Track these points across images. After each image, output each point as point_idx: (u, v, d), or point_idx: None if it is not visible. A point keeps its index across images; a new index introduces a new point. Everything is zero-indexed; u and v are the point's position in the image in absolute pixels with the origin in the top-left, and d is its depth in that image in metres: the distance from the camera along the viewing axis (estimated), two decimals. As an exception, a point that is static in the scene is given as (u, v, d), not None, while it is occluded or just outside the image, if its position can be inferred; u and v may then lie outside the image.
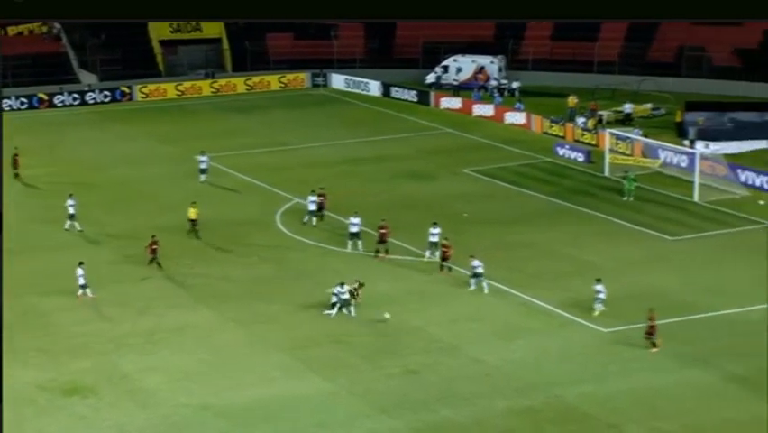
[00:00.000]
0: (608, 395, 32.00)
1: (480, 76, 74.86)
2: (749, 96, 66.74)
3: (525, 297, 39.15)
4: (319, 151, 61.35)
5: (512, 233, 46.28)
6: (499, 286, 40.14)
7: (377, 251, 43.16)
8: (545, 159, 58.05)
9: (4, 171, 49.95)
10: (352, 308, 37.68)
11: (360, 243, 43.71)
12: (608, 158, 54.80)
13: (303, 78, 78.82)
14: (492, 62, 75.05)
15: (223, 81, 77.97)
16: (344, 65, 79.18)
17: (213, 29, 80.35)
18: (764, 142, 59.11)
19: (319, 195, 47.49)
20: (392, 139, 63.60)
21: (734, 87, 68.94)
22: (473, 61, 75.33)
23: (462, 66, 75.28)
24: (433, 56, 77.01)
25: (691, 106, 62.05)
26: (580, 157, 57.40)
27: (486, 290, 39.20)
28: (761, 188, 51.17)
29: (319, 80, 78.44)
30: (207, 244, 45.25)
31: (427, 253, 42.52)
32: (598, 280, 37.45)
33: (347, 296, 37.72)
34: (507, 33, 77.83)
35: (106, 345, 35.76)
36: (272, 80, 78.44)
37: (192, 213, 45.74)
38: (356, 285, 38.21)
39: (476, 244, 44.47)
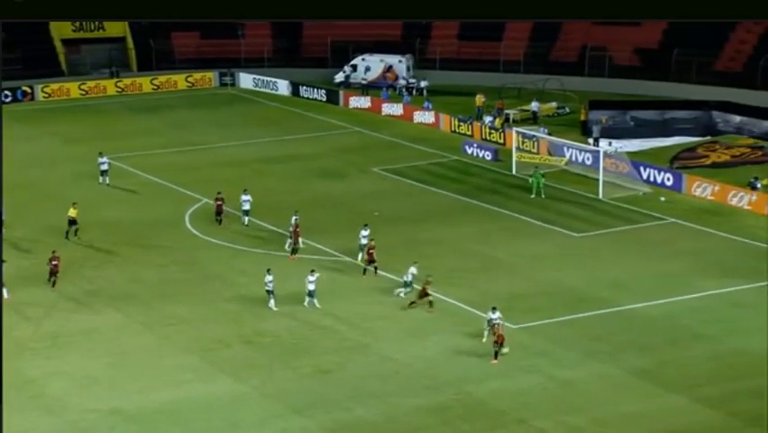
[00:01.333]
0: (518, 390, 32.28)
1: (389, 75, 74.98)
2: (649, 94, 68.09)
3: (436, 294, 39.23)
4: (229, 150, 60.72)
5: (421, 230, 46.42)
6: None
7: (293, 251, 42.85)
8: (454, 157, 58.41)
9: None
10: (316, 299, 37.71)
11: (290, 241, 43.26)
12: (515, 156, 55.38)
13: (210, 77, 77.91)
14: (400, 61, 75.26)
15: (128, 80, 76.59)
16: (252, 64, 78.49)
17: (116, 28, 78.84)
18: (665, 139, 60.41)
19: (217, 199, 46.88)
20: (302, 138, 63.30)
21: (634, 85, 70.25)
22: (381, 60, 75.42)
23: (371, 65, 75.30)
24: (341, 55, 76.87)
25: (595, 105, 63.08)
26: (488, 155, 57.91)
27: (402, 295, 38.76)
28: (662, 185, 52.23)
29: (227, 80, 77.62)
30: (115, 246, 44.37)
31: (360, 256, 41.87)
32: (494, 309, 34.87)
33: (313, 287, 37.53)
34: (414, 33, 78.12)
35: (9, 349, 34.72)
36: (179, 80, 77.33)
37: (72, 213, 44.83)
38: (428, 281, 37.63)
39: (386, 242, 44.47)
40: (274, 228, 46.37)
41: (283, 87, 75.20)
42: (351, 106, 70.61)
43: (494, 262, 42.63)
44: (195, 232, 46.41)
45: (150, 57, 78.50)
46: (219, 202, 46.89)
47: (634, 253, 43.72)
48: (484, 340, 35.02)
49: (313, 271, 38.09)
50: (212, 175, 54.97)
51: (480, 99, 66.52)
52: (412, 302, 37.79)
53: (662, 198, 50.56)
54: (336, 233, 45.80)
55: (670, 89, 68.30)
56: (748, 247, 44.05)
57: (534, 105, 66.20)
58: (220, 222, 46.59)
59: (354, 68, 75.43)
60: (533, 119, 64.94)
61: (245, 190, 47.10)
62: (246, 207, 46.55)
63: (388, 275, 40.99)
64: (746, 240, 44.77)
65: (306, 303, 37.89)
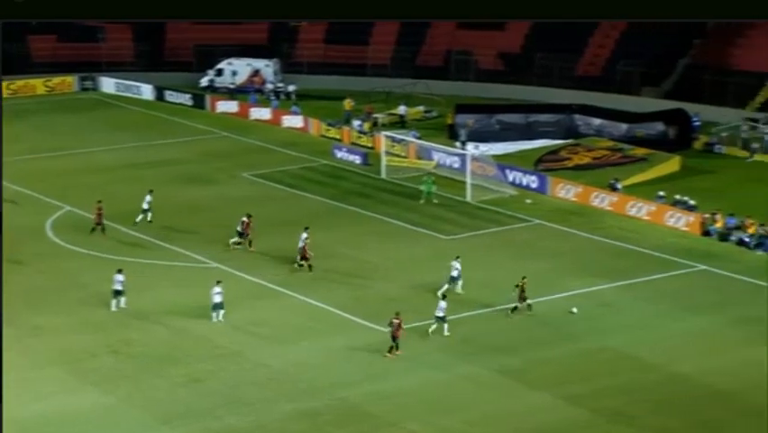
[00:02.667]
0: (391, 393, 32.71)
1: (256, 79, 74.73)
2: (512, 98, 69.61)
3: (308, 299, 39.42)
4: (92, 156, 59.53)
5: (292, 235, 46.44)
6: (281, 289, 40.26)
7: (239, 243, 43.73)
8: (324, 162, 58.67)
9: None
10: (221, 313, 36.90)
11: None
12: (384, 160, 55.99)
13: (70, 81, 76.12)
14: (267, 65, 75.07)
15: (-18, 85, 74.21)
16: (114, 68, 77.04)
17: (-33, 31, 76.27)
18: (530, 142, 61.90)
19: (98, 207, 45.91)
20: (169, 143, 62.57)
21: (499, 89, 71.76)
22: (248, 65, 75.07)
23: (238, 69, 74.86)
24: (207, 59, 76.13)
25: (461, 109, 64.21)
26: (358, 159, 58.39)
27: (459, 290, 39.14)
28: (527, 187, 53.58)
29: (88, 84, 75.98)
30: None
31: (297, 258, 42.20)
32: (444, 297, 36.72)
33: (219, 299, 36.65)
34: (281, 36, 78.05)
35: None
36: (37, 84, 75.34)
37: None
38: (523, 282, 37.94)
39: (256, 247, 44.47)
40: (141, 236, 45.75)
41: (147, 92, 74.11)
42: (218, 111, 70.10)
43: (366, 265, 43.04)
44: (58, 241, 45.38)
45: (4, 61, 76.01)
46: (100, 211, 45.73)
47: (501, 254, 44.77)
48: (430, 331, 35.98)
49: (219, 282, 37.45)
50: (74, 182, 53.85)
51: (348, 103, 66.96)
52: (514, 307, 37.86)
53: (528, 200, 51.87)
54: (205, 239, 45.50)
55: (533, 93, 70.08)
56: (610, 247, 45.64)
57: (401, 109, 67.00)
58: (99, 230, 45.45)
59: (220, 72, 74.82)
60: (401, 123, 65.74)
61: (150, 191, 47.49)
62: (145, 206, 46.93)
63: (261, 282, 40.97)
64: (608, 240, 46.37)
65: (213, 318, 37.11)
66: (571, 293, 40.30)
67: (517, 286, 37.95)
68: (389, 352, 34.65)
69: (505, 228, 48.17)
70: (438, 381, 33.56)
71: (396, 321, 34.88)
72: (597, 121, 62.62)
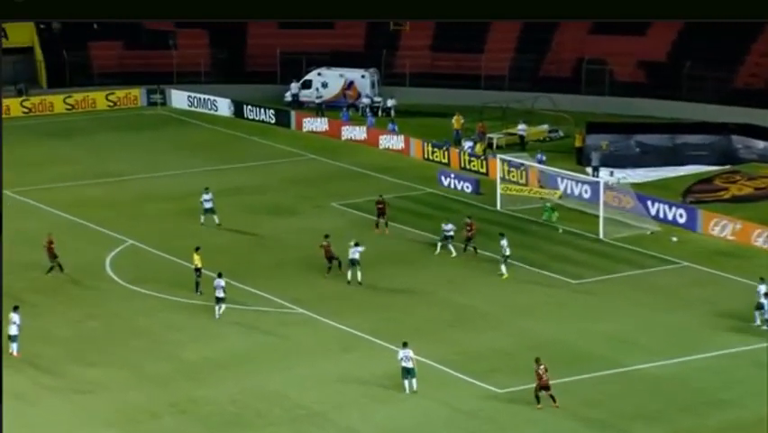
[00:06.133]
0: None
1: (350, 92, 75.43)
2: (655, 115, 69.02)
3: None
4: (158, 182, 60.81)
5: (385, 276, 46.68)
6: (373, 339, 40.43)
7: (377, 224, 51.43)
8: (427, 189, 58.90)
9: None
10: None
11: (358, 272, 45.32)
12: (499, 188, 55.93)
13: (136, 95, 78.10)
14: (363, 76, 75.72)
15: (36, 99, 76.57)
16: (186, 79, 78.73)
17: (21, 36, 78.68)
18: (676, 168, 61.18)
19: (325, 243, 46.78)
20: (246, 167, 63.58)
21: (639, 105, 71.23)
22: (341, 75, 75.86)
23: (328, 80, 75.66)
24: (293, 68, 77.25)
25: (593, 128, 63.82)
26: (468, 187, 58.46)
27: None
28: (673, 223, 52.91)
29: (156, 98, 77.80)
30: (21, 296, 44.18)
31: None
32: (762, 280, 41.82)
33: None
34: (380, 43, 78.76)
35: None
36: (98, 98, 77.44)
37: (197, 260, 44.49)
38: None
39: (343, 290, 44.76)
40: (213, 274, 46.50)
41: (224, 107, 75.54)
42: (305, 130, 71.05)
43: (471, 312, 42.94)
44: (117, 279, 46.41)
45: (63, 71, 78.54)
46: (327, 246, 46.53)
47: (639, 302, 44.22)
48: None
49: (405, 343, 37.00)
50: (137, 212, 55.06)
51: (457, 121, 67.16)
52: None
53: (674, 238, 51.22)
54: (285, 280, 46.02)
55: (681, 110, 69.37)
56: (774, 296, 44.71)
57: (521, 128, 66.90)
58: (329, 269, 46.15)
59: (307, 84, 75.65)
60: (520, 144, 65.65)
61: (206, 189, 52.07)
62: (208, 205, 51.58)
63: (350, 330, 41.22)
64: (771, 287, 45.39)
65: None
66: (724, 352, 39.57)
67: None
68: (539, 404, 35.17)
69: (644, 271, 47.61)
70: (560, 453, 33.23)
71: (541, 367, 35.26)
72: (760, 144, 61.78)
